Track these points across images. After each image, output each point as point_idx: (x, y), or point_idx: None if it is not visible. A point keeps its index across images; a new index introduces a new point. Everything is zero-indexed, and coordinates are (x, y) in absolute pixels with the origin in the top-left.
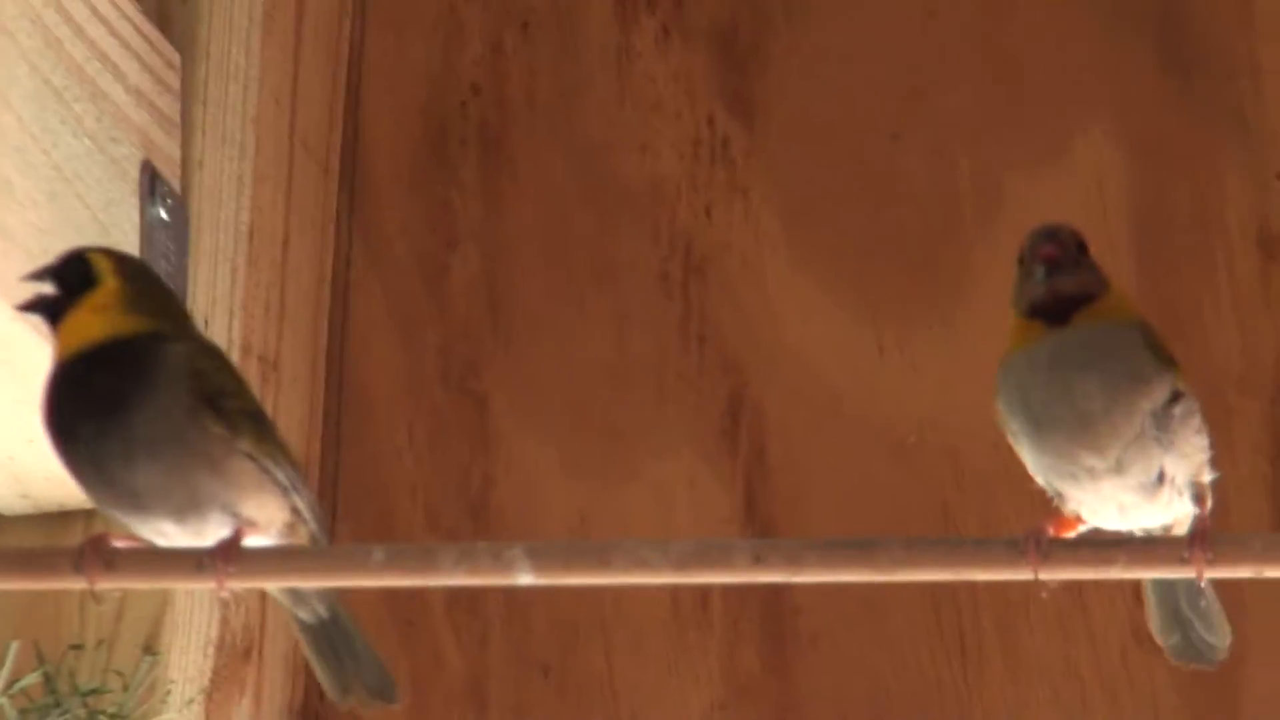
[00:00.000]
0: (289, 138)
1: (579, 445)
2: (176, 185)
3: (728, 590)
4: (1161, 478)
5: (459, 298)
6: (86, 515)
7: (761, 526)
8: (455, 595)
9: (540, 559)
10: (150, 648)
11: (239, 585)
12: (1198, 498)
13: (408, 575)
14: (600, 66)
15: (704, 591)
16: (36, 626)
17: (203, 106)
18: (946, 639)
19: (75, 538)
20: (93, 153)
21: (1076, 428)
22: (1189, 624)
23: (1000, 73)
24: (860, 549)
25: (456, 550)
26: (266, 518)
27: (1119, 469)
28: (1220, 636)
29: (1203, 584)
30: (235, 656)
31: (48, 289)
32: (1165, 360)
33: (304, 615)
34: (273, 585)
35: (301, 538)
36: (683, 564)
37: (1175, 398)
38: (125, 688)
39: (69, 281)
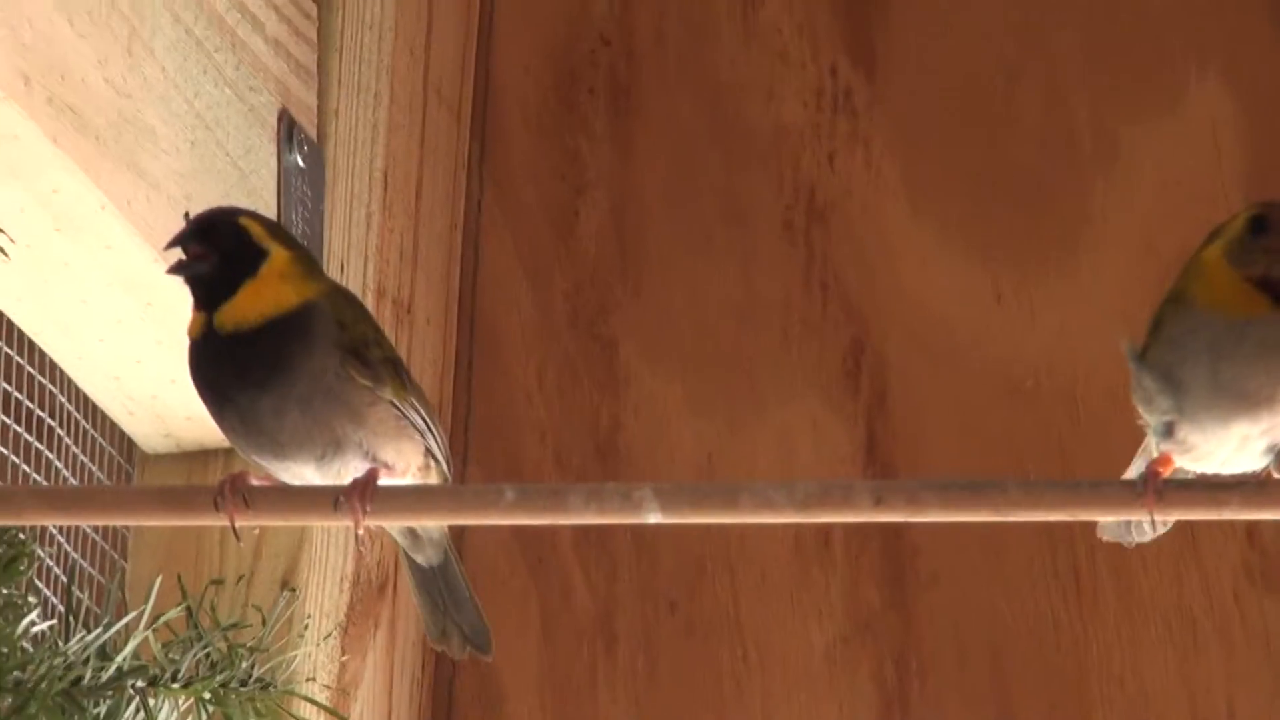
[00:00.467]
0: (422, 86)
1: (705, 388)
2: (313, 133)
3: (849, 529)
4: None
5: (587, 243)
6: (226, 454)
7: (882, 468)
8: (584, 533)
9: (668, 499)
10: (288, 583)
11: (374, 523)
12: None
13: (538, 514)
14: (726, 15)
15: (826, 531)
16: (178, 562)
17: (338, 56)
18: (1062, 578)
19: (215, 476)
20: (232, 101)
21: (1253, 404)
22: None
23: (1116, 18)
24: (978, 490)
25: (586, 490)
26: (404, 462)
27: (1258, 437)
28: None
29: None
30: (370, 592)
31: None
32: None
33: (419, 559)
34: (408, 524)
35: (433, 478)
36: (806, 504)
37: None
38: (263, 622)
39: (227, 249)
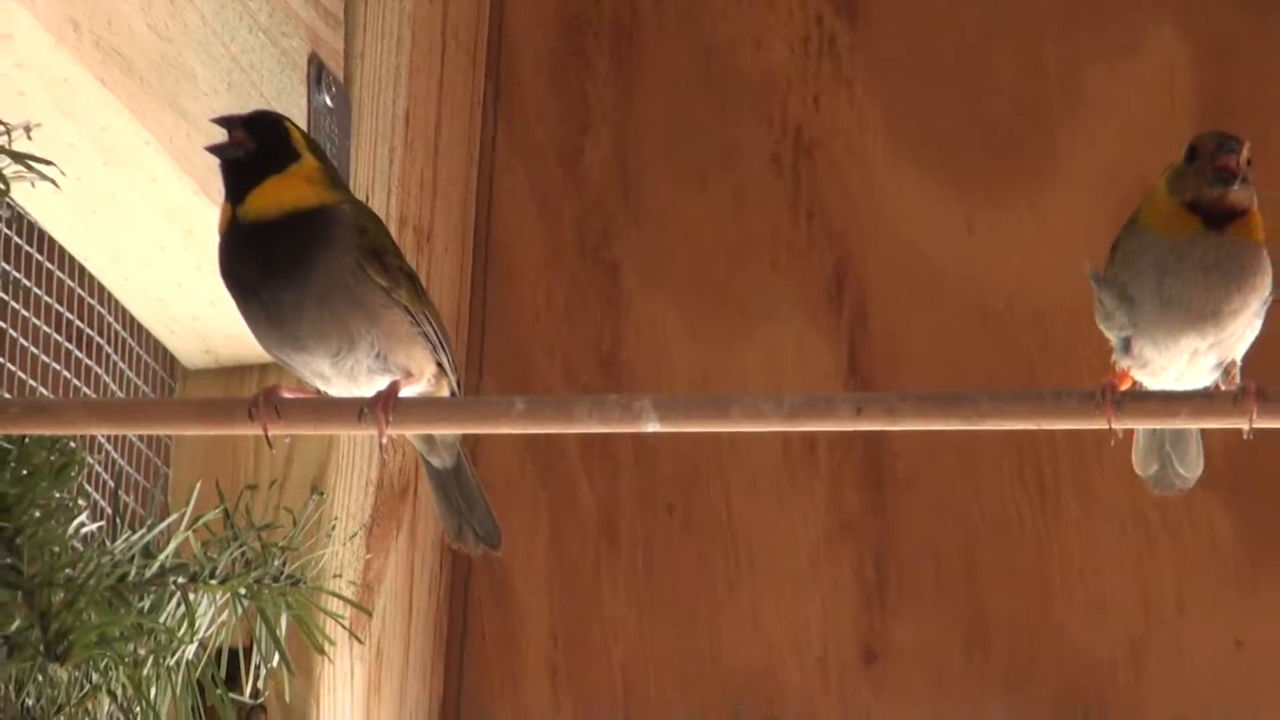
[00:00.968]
0: (441, 32)
1: (700, 309)
2: (340, 75)
3: (833, 438)
4: (1221, 363)
5: (592, 176)
6: (261, 369)
7: (862, 382)
8: (588, 441)
9: (666, 409)
10: (317, 487)
11: (396, 432)
12: (1226, 372)
13: (546, 423)
14: None
15: (811, 439)
16: (216, 468)
17: (364, 3)
18: (1028, 483)
19: (250, 390)
20: (266, 46)
21: (1197, 319)
22: (1169, 459)
23: None
24: (951, 401)
25: (590, 401)
26: (418, 368)
27: (1206, 351)
28: (1192, 471)
29: (1248, 433)
30: (392, 495)
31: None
32: (1270, 269)
33: (434, 461)
34: (428, 432)
35: (444, 391)
36: (793, 415)
37: (1266, 302)
38: (295, 523)
39: (265, 143)
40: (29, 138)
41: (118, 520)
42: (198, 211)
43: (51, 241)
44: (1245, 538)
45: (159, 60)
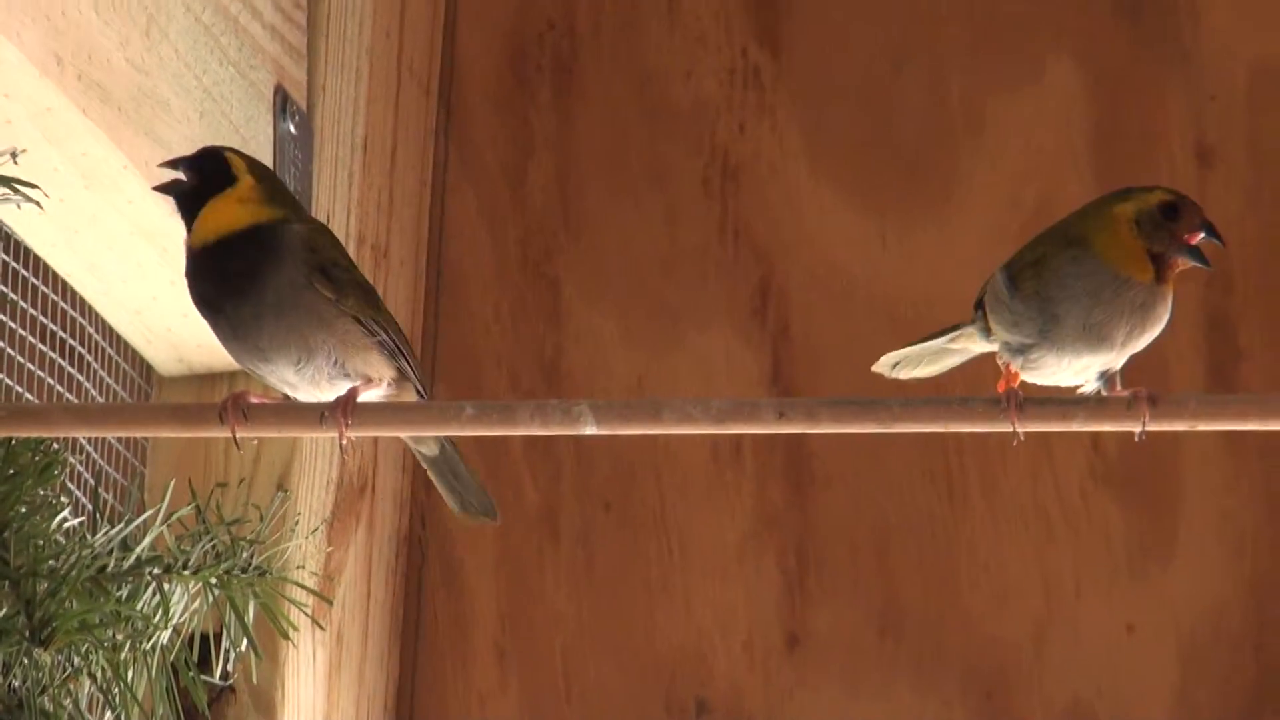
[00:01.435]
0: (396, 66)
1: (635, 320)
2: (303, 105)
3: (757, 440)
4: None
5: (535, 197)
6: (230, 376)
7: (785, 388)
8: (532, 443)
9: (602, 413)
10: (282, 485)
11: (355, 434)
12: (1109, 380)
13: (493, 426)
14: (653, 5)
15: (738, 441)
16: (189, 467)
17: (325, 39)
18: (937, 481)
19: (221, 395)
20: (235, 78)
21: (1108, 349)
22: None
23: (986, 12)
24: (866, 406)
25: (532, 405)
26: (376, 374)
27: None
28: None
29: (1139, 436)
30: (352, 493)
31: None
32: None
33: (424, 450)
34: (384, 435)
35: (408, 394)
36: (720, 418)
37: None
38: (261, 519)
39: (206, 173)
40: (15, 162)
41: (98, 515)
42: (171, 231)
43: (36, 258)
44: (1136, 531)
45: (136, 91)
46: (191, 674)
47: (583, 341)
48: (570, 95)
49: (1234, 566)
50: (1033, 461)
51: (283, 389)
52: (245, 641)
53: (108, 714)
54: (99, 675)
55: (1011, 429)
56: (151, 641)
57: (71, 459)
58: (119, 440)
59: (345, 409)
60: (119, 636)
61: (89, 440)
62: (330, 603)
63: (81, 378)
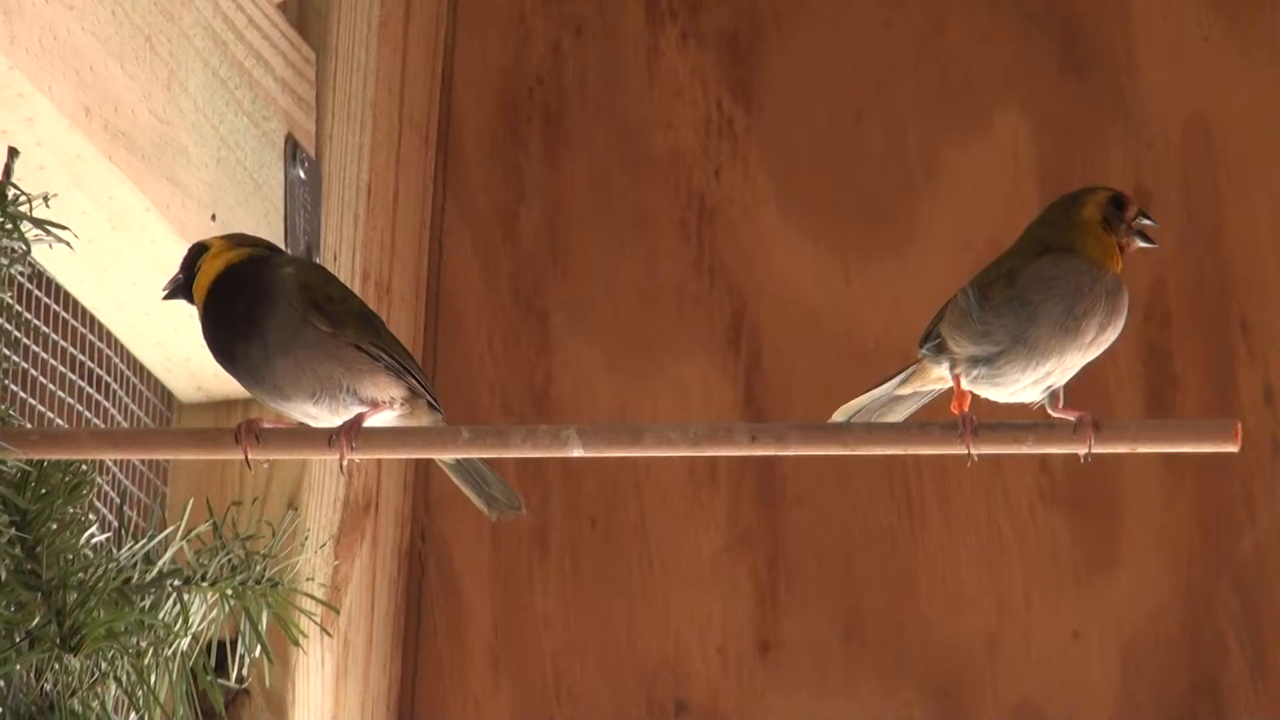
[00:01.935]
0: (398, 117)
1: (619, 351)
2: (312, 152)
3: (731, 461)
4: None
5: (526, 238)
6: (245, 403)
7: (757, 413)
8: (524, 464)
9: (588, 436)
10: (292, 504)
11: (359, 457)
12: (1054, 396)
13: (488, 449)
14: (635, 63)
15: (713, 462)
16: (207, 487)
17: (332, 93)
18: (897, 499)
19: (236, 421)
20: (249, 128)
21: (1078, 345)
22: None
23: (939, 68)
24: (832, 430)
25: (524, 430)
26: (386, 395)
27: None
28: None
29: (1085, 458)
30: (357, 510)
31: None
32: None
33: (445, 459)
34: (386, 457)
35: (422, 409)
36: (697, 441)
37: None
38: (274, 535)
39: (189, 261)
40: (47, 206)
41: (123, 531)
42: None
43: (66, 294)
44: (1081, 544)
45: (158, 140)
46: (209, 677)
47: (570, 370)
48: (558, 144)
49: (1171, 577)
50: (986, 481)
51: (307, 421)
52: (259, 647)
53: (132, 715)
54: (124, 679)
55: (966, 451)
56: (173, 648)
57: (99, 479)
58: (142, 462)
59: (350, 433)
60: (143, 643)
61: (115, 462)
62: (337, 612)
63: (108, 404)
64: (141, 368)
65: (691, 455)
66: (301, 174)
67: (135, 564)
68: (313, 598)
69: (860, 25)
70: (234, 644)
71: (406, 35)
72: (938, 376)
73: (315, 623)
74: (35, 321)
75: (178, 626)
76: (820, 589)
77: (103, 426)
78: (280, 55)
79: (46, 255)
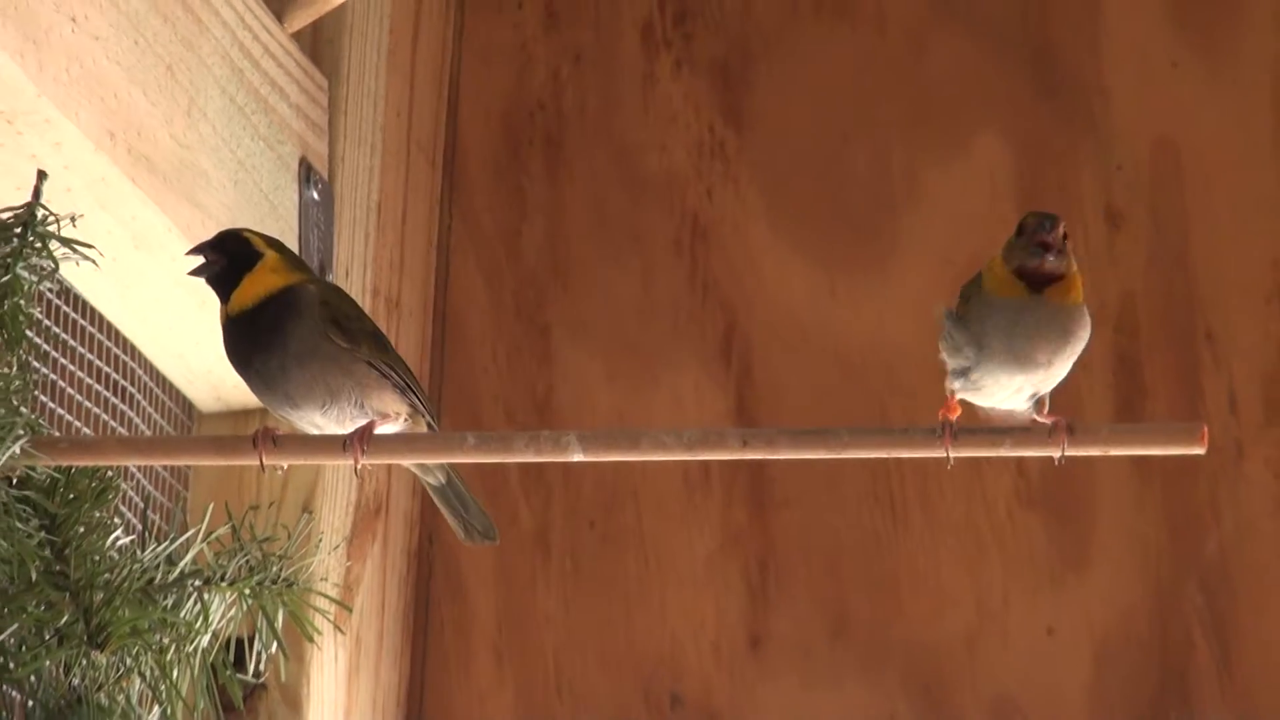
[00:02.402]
0: (406, 140)
1: (616, 362)
2: (325, 174)
3: (724, 465)
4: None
5: (529, 255)
6: (263, 412)
7: (748, 420)
8: (526, 469)
9: (588, 442)
10: (307, 508)
11: (370, 462)
12: (1039, 402)
13: (492, 454)
14: (631, 89)
15: (706, 466)
16: (225, 492)
17: (344, 117)
18: (881, 501)
19: (254, 428)
20: (265, 151)
21: (1033, 368)
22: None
23: (920, 93)
24: (819, 435)
25: (527, 435)
26: (392, 410)
27: (1036, 393)
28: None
29: (1059, 460)
30: (368, 514)
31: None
32: (1090, 325)
33: (430, 480)
34: (396, 462)
35: (421, 426)
36: (691, 445)
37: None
38: (289, 537)
39: (231, 252)
40: (74, 225)
41: (146, 534)
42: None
43: (92, 309)
44: (1056, 545)
45: (178, 163)
46: (228, 673)
47: (570, 380)
48: (558, 166)
49: (1141, 577)
50: (965, 484)
51: (311, 431)
52: (275, 644)
53: (155, 708)
54: (148, 674)
55: (945, 454)
56: (193, 645)
57: (124, 485)
58: (165, 468)
59: (361, 439)
60: (165, 640)
61: (138, 468)
62: (350, 610)
63: (132, 413)
64: (164, 379)
65: (686, 459)
66: (315, 195)
67: (158, 565)
68: (326, 597)
69: (845, 53)
70: (252, 641)
71: (414, 63)
72: None
73: (329, 620)
74: (63, 335)
75: (198, 624)
76: (808, 588)
77: (126, 434)
78: (294, 82)
79: (74, 272)
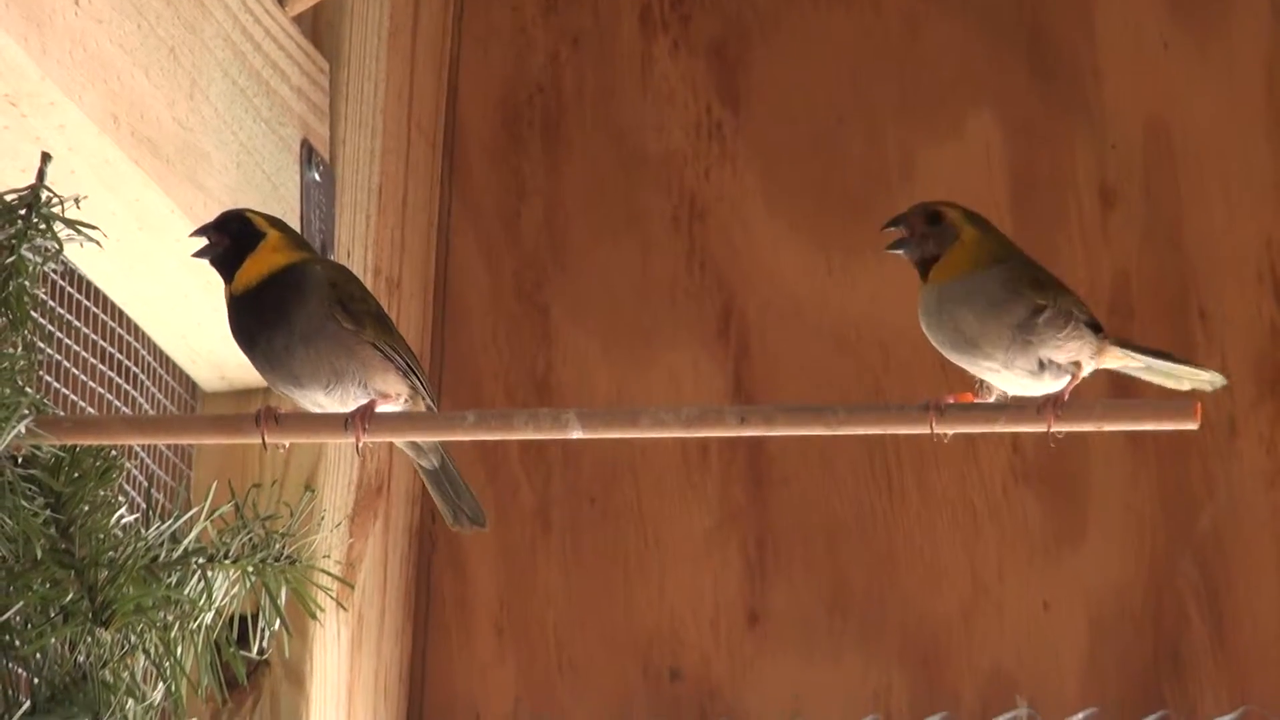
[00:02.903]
0: (407, 123)
1: (615, 341)
2: (326, 157)
3: (721, 442)
4: (1043, 365)
5: (527, 235)
6: (265, 391)
7: (745, 397)
8: (526, 447)
9: (587, 419)
10: (309, 485)
11: (372, 440)
12: (1071, 375)
13: (492, 432)
14: (629, 70)
15: (705, 444)
16: (229, 470)
17: (345, 100)
18: (877, 478)
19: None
20: (267, 134)
21: (968, 347)
22: None
23: (915, 74)
24: (816, 412)
25: (526, 413)
26: (394, 390)
27: (1009, 365)
28: None
29: (1053, 440)
30: (370, 492)
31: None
32: (1026, 287)
33: (423, 463)
34: (396, 440)
35: (420, 407)
36: (690, 423)
37: (1037, 311)
38: (292, 515)
39: (235, 233)
40: (78, 207)
41: (150, 512)
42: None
43: (96, 290)
44: (1051, 520)
45: (181, 145)
46: (232, 649)
47: (570, 359)
48: (557, 148)
49: (1135, 552)
50: (961, 461)
51: (314, 410)
52: (278, 621)
53: (159, 685)
54: (152, 651)
55: (930, 431)
56: (197, 621)
57: (128, 464)
58: (168, 447)
59: (363, 417)
60: (169, 617)
61: (143, 447)
62: (352, 587)
63: (135, 393)
64: (167, 359)
65: (684, 436)
66: (316, 177)
67: (162, 543)
68: (329, 574)
69: (841, 34)
70: (255, 618)
71: (414, 46)
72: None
73: (331, 597)
74: (68, 316)
75: (202, 602)
76: (805, 564)
77: (131, 413)
78: (296, 65)
79: (78, 254)
